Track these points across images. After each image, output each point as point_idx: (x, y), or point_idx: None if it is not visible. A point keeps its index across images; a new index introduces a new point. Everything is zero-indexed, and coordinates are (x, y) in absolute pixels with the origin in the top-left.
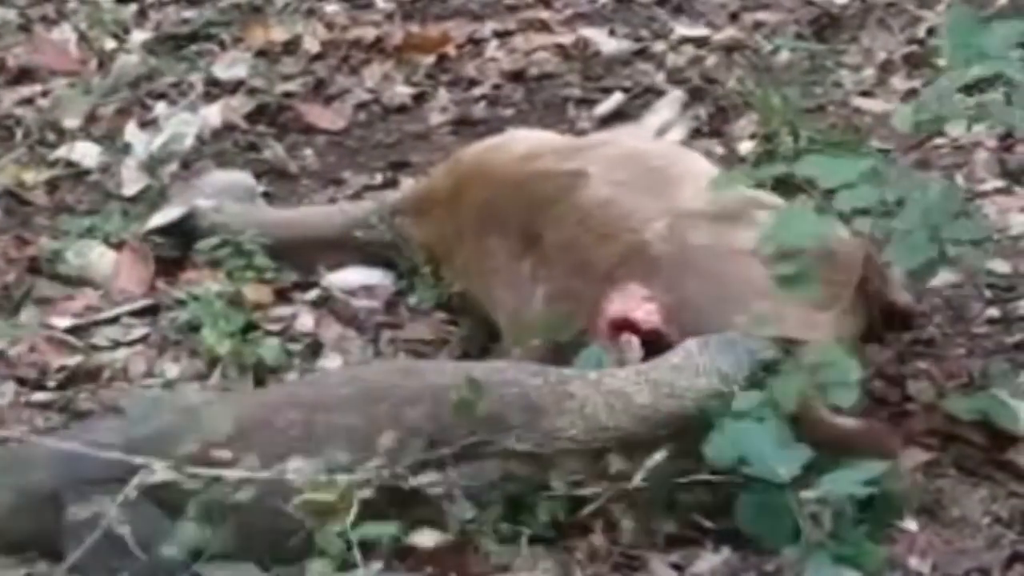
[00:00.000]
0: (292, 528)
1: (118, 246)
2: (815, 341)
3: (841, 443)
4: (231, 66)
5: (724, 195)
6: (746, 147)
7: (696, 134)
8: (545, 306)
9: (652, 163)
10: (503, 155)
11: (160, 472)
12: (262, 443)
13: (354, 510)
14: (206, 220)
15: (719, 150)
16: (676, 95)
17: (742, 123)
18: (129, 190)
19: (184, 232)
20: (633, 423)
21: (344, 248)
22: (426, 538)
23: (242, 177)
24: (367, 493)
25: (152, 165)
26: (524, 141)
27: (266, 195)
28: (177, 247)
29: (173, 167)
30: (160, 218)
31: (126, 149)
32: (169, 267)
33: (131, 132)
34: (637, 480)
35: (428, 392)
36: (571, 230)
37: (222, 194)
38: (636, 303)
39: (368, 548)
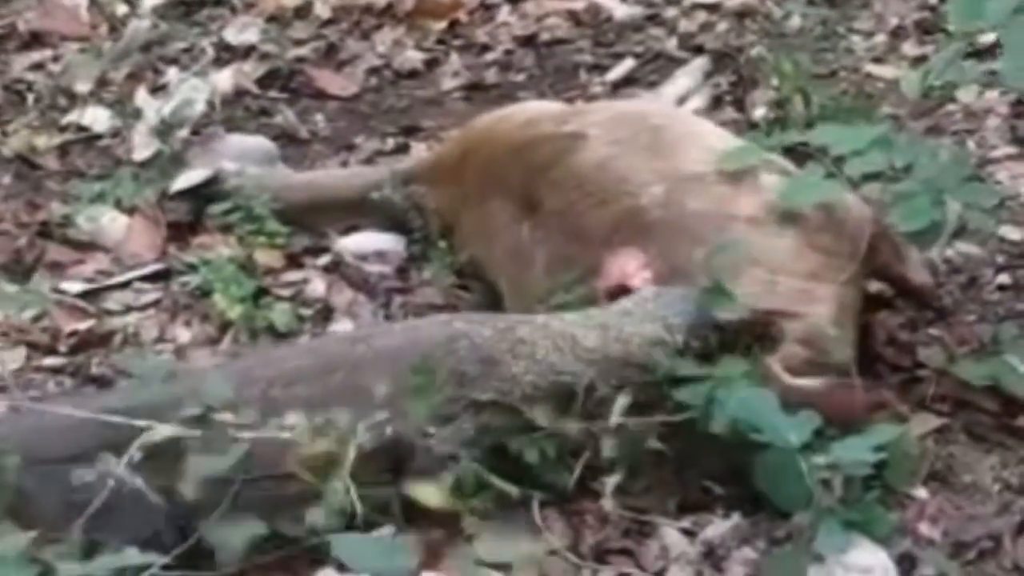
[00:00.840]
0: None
1: (130, 211)
2: (810, 315)
3: (800, 405)
4: (242, 31)
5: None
6: (759, 113)
7: (717, 103)
8: (545, 271)
9: (653, 122)
10: (507, 123)
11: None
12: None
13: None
14: (229, 184)
15: (738, 117)
16: (698, 63)
17: (759, 92)
18: (140, 155)
19: (208, 196)
20: (581, 366)
21: (364, 211)
22: (430, 495)
23: (261, 141)
24: (366, 445)
25: (163, 130)
26: (529, 111)
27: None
28: (197, 211)
29: (184, 132)
30: (184, 181)
31: (137, 114)
32: (181, 232)
33: (142, 97)
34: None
35: (379, 357)
36: (568, 195)
37: (242, 158)
38: (633, 269)
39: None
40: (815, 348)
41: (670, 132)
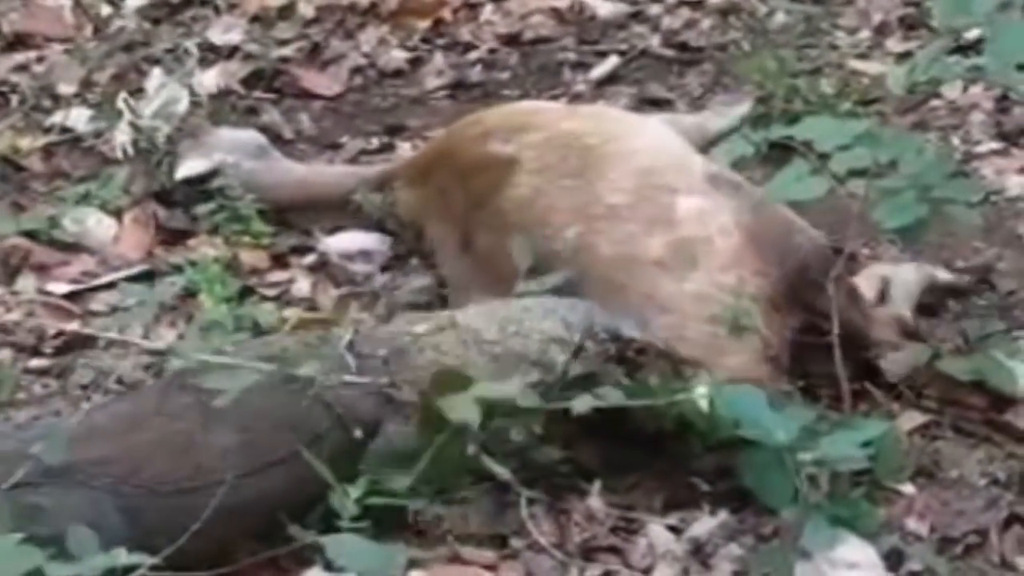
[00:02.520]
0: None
1: (115, 212)
2: (717, 366)
3: None
4: (226, 31)
5: (651, 177)
6: None
7: None
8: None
9: (586, 141)
10: (464, 135)
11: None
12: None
13: None
14: (228, 177)
15: None
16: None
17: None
18: (125, 152)
19: (207, 191)
20: (483, 359)
21: (356, 210)
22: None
23: (252, 134)
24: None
25: (148, 128)
26: (488, 120)
27: None
28: (195, 202)
29: (168, 129)
30: (187, 169)
31: (120, 114)
32: (166, 233)
33: (125, 97)
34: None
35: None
36: (496, 236)
37: (236, 151)
38: None
39: None
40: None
41: (599, 153)
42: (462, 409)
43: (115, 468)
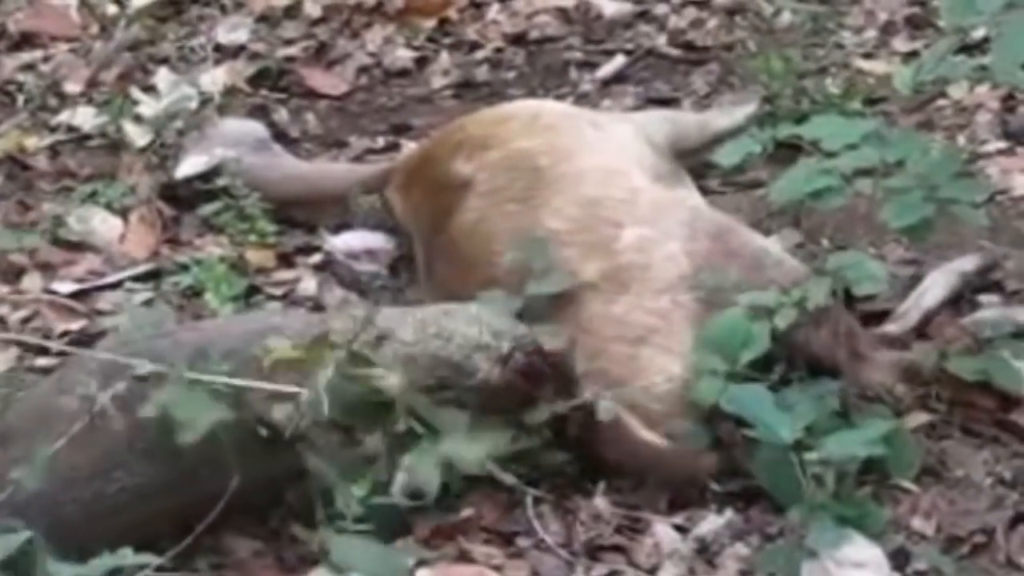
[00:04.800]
0: None
1: (121, 212)
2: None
3: (646, 461)
4: (232, 31)
5: (596, 208)
6: None
7: None
8: None
9: (538, 162)
10: (447, 140)
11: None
12: None
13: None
14: (228, 175)
15: None
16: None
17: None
18: (133, 150)
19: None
20: (397, 361)
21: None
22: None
23: (255, 127)
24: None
25: (158, 125)
26: (469, 126)
27: None
28: (198, 203)
29: (179, 123)
30: (189, 167)
31: (130, 111)
32: (172, 232)
33: (135, 93)
34: None
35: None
36: (447, 265)
37: (238, 145)
38: None
39: None
40: (641, 416)
41: (548, 176)
42: (423, 472)
43: None
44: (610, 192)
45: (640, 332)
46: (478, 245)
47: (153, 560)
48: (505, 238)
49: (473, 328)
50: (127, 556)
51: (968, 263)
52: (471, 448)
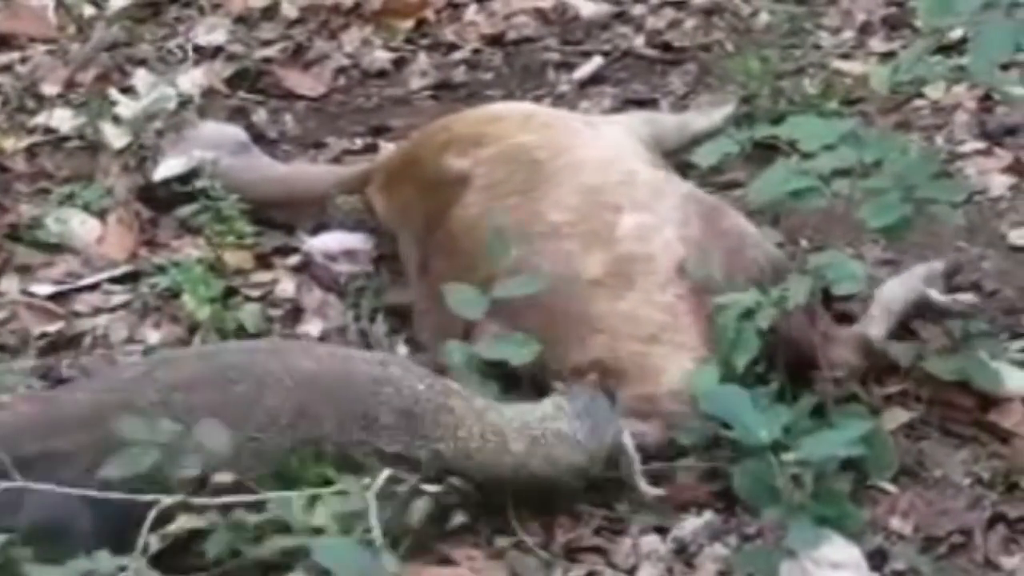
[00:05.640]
0: None
1: (99, 213)
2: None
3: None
4: (210, 32)
5: (596, 195)
6: None
7: None
8: (431, 336)
9: (535, 156)
10: (432, 141)
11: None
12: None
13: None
14: (206, 177)
15: None
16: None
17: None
18: (111, 152)
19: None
20: (499, 467)
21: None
22: None
23: (234, 130)
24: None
25: (136, 122)
26: (455, 126)
27: None
28: (175, 202)
29: (158, 124)
30: (166, 169)
31: (107, 113)
32: (152, 233)
33: (113, 94)
34: None
35: (290, 375)
36: (446, 262)
37: (217, 148)
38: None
39: None
40: (657, 419)
41: (547, 168)
42: None
43: None
44: (609, 177)
45: (652, 330)
46: (480, 239)
47: (131, 563)
48: (507, 230)
49: (577, 456)
50: (103, 559)
51: (924, 269)
52: None
